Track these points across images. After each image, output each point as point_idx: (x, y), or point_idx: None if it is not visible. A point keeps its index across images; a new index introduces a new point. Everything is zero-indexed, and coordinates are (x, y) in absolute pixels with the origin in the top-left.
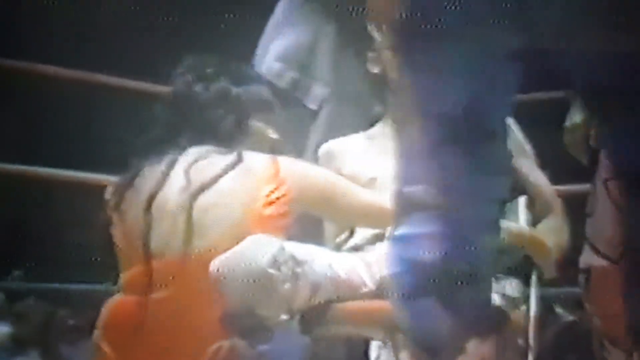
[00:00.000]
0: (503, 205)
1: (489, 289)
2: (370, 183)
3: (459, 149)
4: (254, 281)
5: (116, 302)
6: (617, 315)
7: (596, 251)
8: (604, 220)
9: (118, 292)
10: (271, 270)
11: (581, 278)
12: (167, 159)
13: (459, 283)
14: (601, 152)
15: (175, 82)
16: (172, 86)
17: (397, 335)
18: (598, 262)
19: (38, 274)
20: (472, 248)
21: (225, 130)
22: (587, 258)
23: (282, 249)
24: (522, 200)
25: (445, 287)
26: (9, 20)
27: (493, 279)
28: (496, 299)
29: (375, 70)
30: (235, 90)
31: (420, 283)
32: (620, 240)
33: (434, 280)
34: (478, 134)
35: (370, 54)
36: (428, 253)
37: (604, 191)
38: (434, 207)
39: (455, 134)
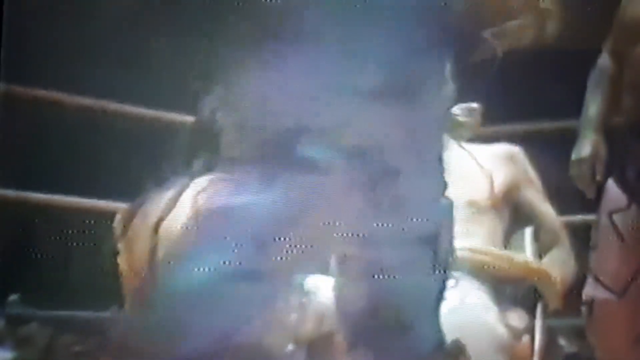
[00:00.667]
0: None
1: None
2: None
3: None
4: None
5: None
6: (618, 348)
7: (600, 283)
8: (607, 253)
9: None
10: (278, 302)
11: (584, 309)
12: (178, 185)
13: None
14: (607, 184)
15: (201, 110)
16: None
17: None
18: (601, 294)
19: (41, 299)
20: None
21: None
22: (591, 290)
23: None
24: (528, 231)
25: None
26: (15, 46)
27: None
28: (498, 329)
29: None
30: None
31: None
32: (625, 273)
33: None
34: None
35: None
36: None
37: (609, 224)
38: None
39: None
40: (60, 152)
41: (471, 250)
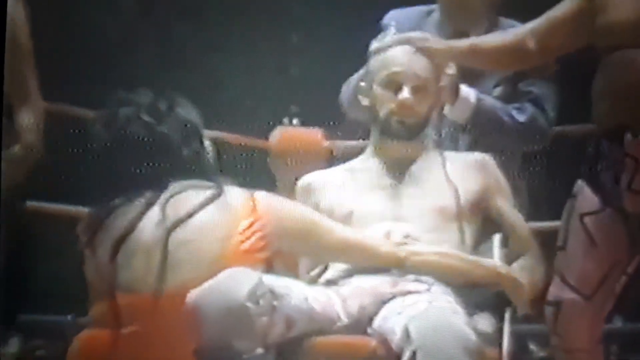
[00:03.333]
0: None
1: None
2: (347, 217)
3: None
4: (231, 314)
5: (86, 336)
6: (582, 350)
7: (567, 284)
8: (576, 255)
9: (88, 325)
10: (249, 304)
11: (549, 310)
12: (147, 196)
13: None
14: (580, 187)
15: (132, 124)
16: (126, 126)
17: None
18: (568, 295)
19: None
20: None
21: (206, 161)
22: (557, 290)
23: (261, 281)
24: (497, 238)
25: None
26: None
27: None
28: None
29: (365, 102)
30: (192, 117)
31: None
32: (594, 276)
33: None
34: None
35: (361, 84)
36: None
37: (580, 226)
38: None
39: None
40: None
41: (439, 254)
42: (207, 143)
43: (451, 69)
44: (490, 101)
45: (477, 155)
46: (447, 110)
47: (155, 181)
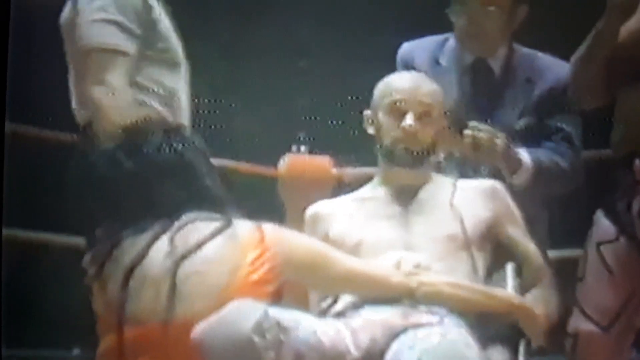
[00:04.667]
0: None
1: None
2: (356, 246)
3: None
4: (237, 348)
5: None
6: None
7: (585, 315)
8: (594, 285)
9: (95, 359)
10: (255, 338)
11: (568, 343)
12: (157, 226)
13: None
14: (596, 216)
15: (162, 150)
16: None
17: None
18: (586, 326)
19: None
20: None
21: (215, 191)
22: (576, 322)
23: (267, 314)
24: (510, 267)
25: None
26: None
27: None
28: None
29: (370, 130)
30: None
31: None
32: (612, 306)
33: None
34: None
35: (366, 112)
36: None
37: (597, 255)
38: None
39: None
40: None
41: (451, 285)
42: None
43: (500, 140)
44: (542, 159)
45: (488, 183)
46: (507, 178)
47: (173, 210)
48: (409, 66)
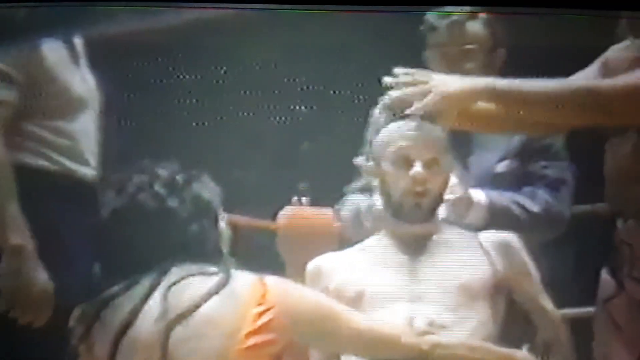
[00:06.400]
0: None
1: None
2: (358, 297)
3: None
4: None
5: None
6: None
7: None
8: (605, 341)
9: None
10: None
11: None
12: (146, 283)
13: None
14: (601, 274)
15: (141, 196)
16: (136, 194)
17: None
18: None
19: None
20: None
21: (211, 243)
22: None
23: None
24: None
25: None
26: None
27: None
28: None
29: (374, 183)
30: (206, 194)
31: None
32: None
33: None
34: None
35: (368, 164)
36: None
37: (604, 313)
38: None
39: None
40: None
41: (468, 347)
42: (222, 225)
43: (452, 181)
44: (500, 198)
45: (503, 235)
46: (459, 217)
47: (158, 259)
48: None
